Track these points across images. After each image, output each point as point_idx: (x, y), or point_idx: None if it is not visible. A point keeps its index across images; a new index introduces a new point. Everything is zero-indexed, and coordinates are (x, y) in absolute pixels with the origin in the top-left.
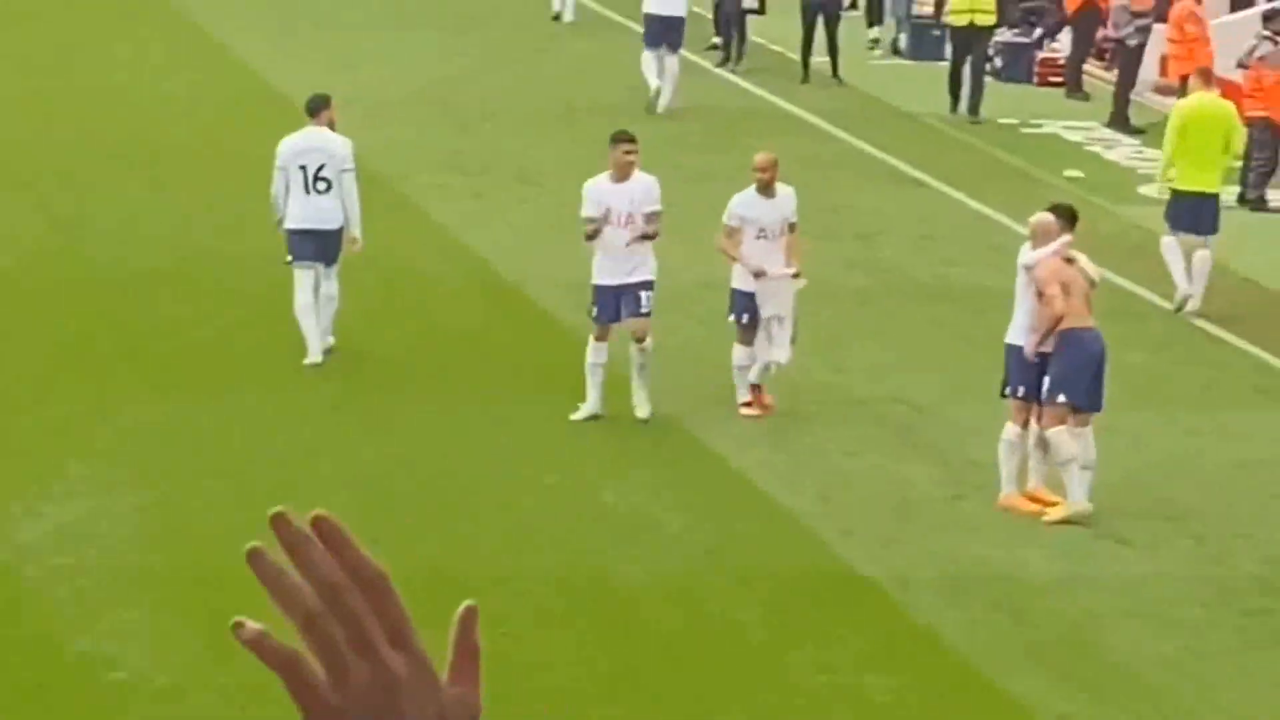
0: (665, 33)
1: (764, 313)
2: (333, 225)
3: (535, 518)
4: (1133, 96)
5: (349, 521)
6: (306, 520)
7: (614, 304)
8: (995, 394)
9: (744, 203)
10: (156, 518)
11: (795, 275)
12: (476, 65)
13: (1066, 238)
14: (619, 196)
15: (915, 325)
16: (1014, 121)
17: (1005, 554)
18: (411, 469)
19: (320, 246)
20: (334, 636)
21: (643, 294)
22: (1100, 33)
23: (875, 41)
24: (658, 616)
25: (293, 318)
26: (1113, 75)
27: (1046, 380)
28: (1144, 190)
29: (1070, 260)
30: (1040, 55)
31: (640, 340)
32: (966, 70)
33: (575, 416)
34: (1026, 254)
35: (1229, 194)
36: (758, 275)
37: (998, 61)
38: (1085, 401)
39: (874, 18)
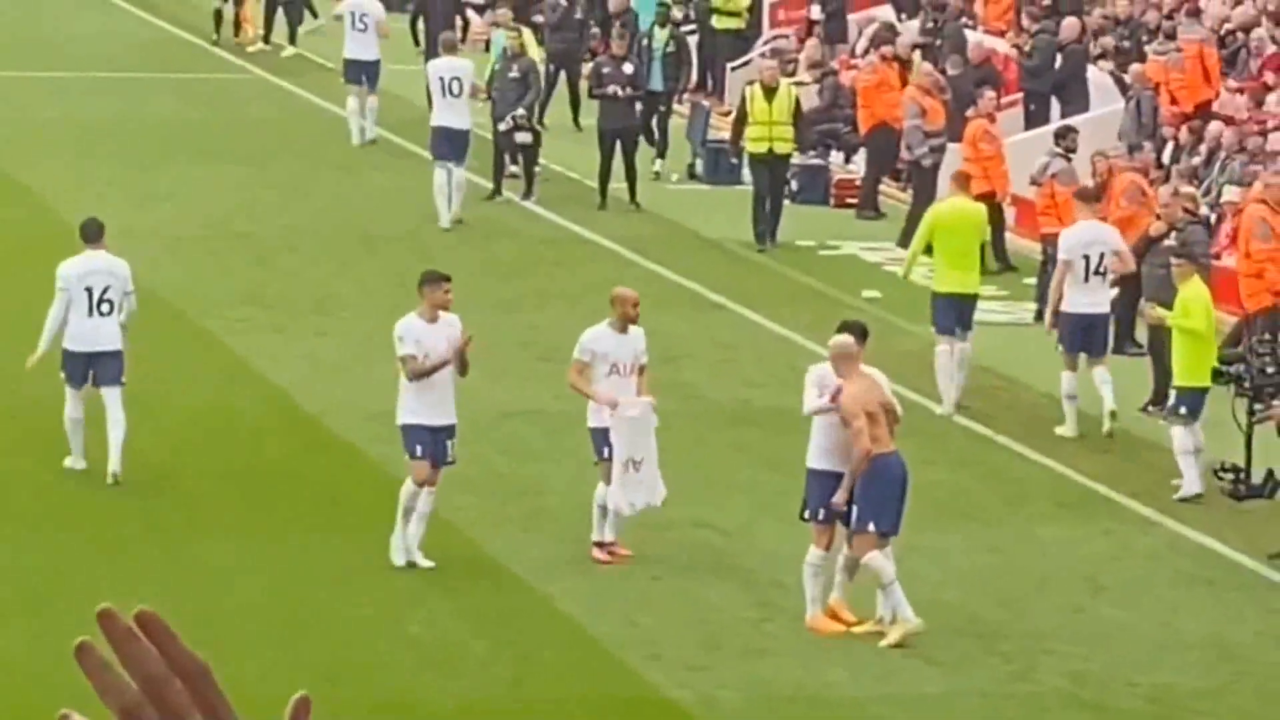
0: (451, 145)
1: (621, 455)
2: (113, 347)
3: (344, 648)
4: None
5: None
6: (131, 616)
7: (434, 444)
8: (798, 516)
9: (596, 338)
10: None
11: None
12: (277, 198)
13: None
14: (435, 336)
15: (718, 449)
16: (812, 244)
17: (813, 675)
18: (219, 603)
19: (99, 369)
20: None
21: (449, 443)
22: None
23: (657, 174)
24: None
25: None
26: (909, 195)
27: (855, 509)
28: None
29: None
30: (837, 177)
31: (433, 485)
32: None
33: (396, 561)
34: (821, 374)
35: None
36: (612, 407)
37: (794, 184)
38: (894, 527)
39: (660, 149)
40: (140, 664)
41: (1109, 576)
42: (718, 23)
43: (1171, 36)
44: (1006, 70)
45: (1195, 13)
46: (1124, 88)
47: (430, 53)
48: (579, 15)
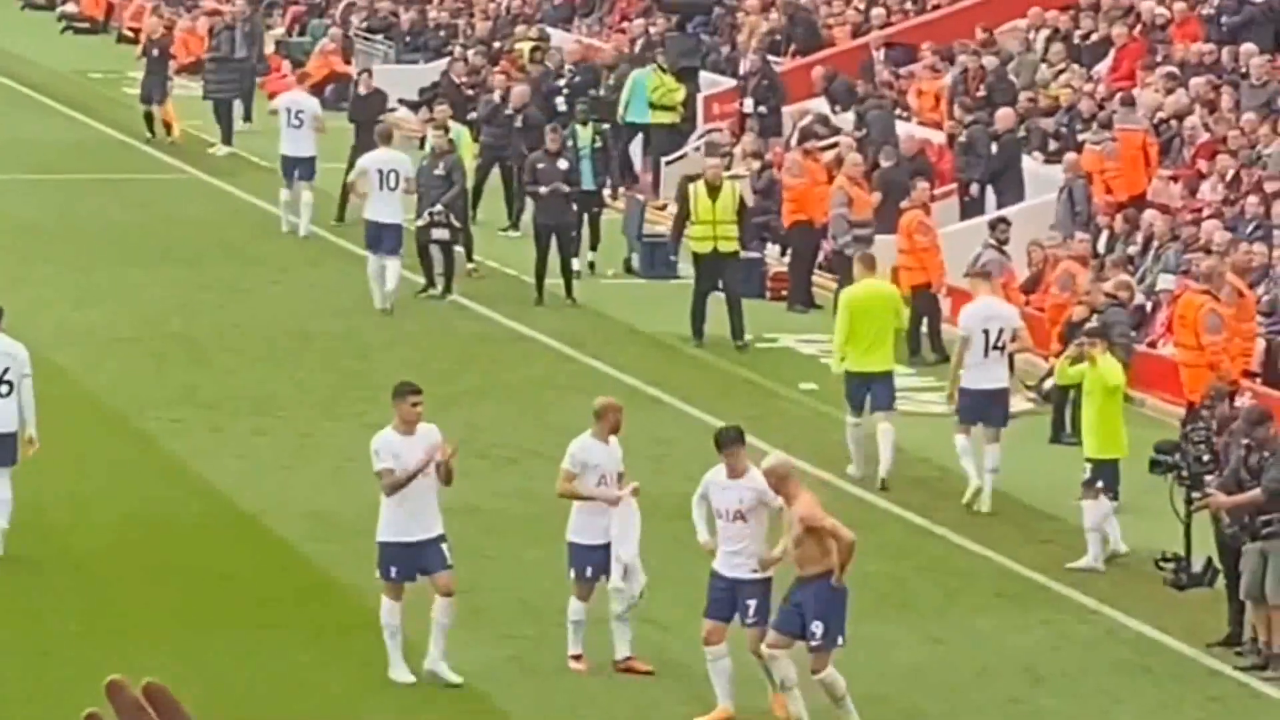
0: (384, 238)
1: (625, 554)
2: (8, 429)
3: None
4: None
5: None
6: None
7: (414, 561)
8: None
9: (584, 448)
10: None
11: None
12: (213, 297)
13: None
14: (413, 449)
15: (657, 543)
16: (748, 337)
17: None
18: None
19: None
20: None
21: (442, 547)
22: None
23: (591, 265)
24: None
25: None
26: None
27: (822, 625)
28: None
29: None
30: (773, 270)
31: (448, 593)
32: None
33: (396, 677)
34: (767, 494)
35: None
36: (614, 503)
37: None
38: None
39: (592, 241)
40: None
41: (1048, 666)
42: (652, 118)
43: (1107, 126)
44: (940, 161)
45: (1130, 101)
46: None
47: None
48: (508, 111)
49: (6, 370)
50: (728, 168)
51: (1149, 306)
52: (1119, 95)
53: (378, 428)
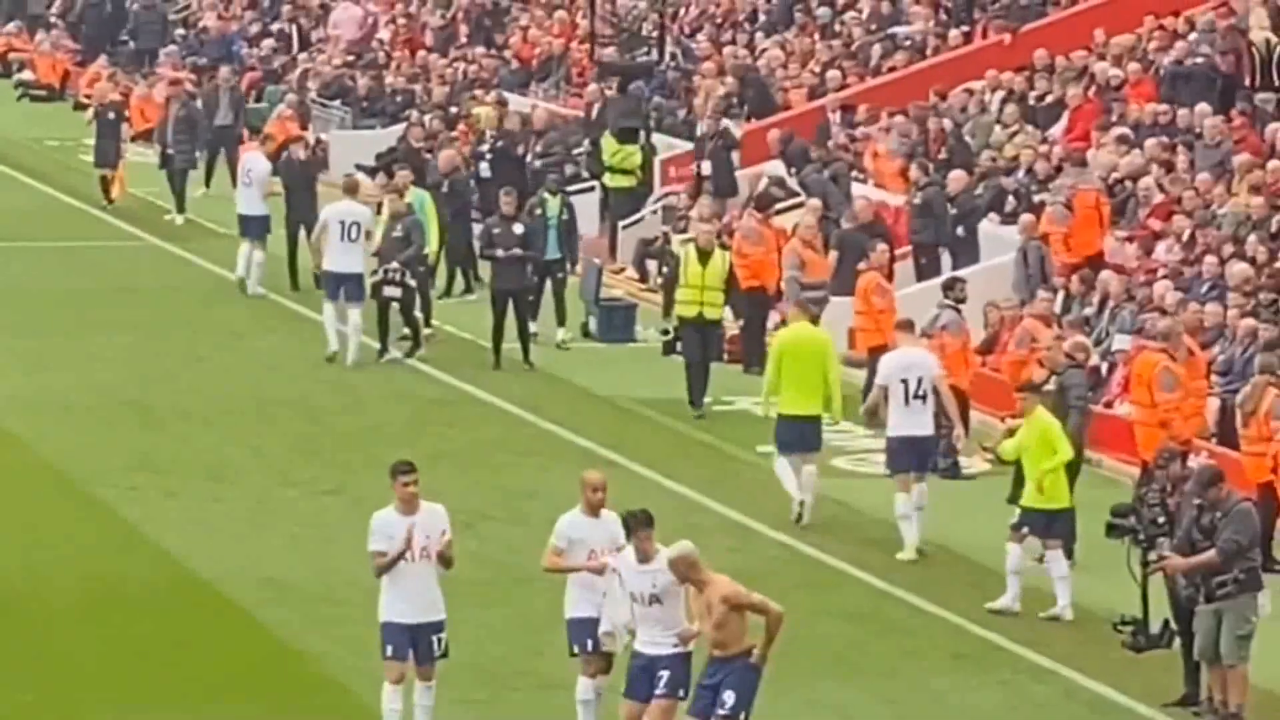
0: (343, 287)
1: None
2: None
3: None
4: None
5: None
6: None
7: (409, 644)
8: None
9: (573, 524)
10: None
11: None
12: (168, 364)
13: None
14: (411, 529)
15: None
16: (706, 400)
17: None
18: None
19: None
20: None
21: (435, 638)
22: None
23: (561, 344)
24: None
25: None
26: None
27: (734, 696)
28: (835, 463)
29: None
30: (729, 333)
31: (427, 680)
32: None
33: None
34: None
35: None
36: (600, 572)
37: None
38: None
39: (561, 318)
40: None
41: None
42: (610, 180)
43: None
44: (896, 223)
45: (1082, 161)
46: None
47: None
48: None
49: None
50: (683, 230)
51: (1104, 368)
52: (1073, 155)
53: (333, 494)
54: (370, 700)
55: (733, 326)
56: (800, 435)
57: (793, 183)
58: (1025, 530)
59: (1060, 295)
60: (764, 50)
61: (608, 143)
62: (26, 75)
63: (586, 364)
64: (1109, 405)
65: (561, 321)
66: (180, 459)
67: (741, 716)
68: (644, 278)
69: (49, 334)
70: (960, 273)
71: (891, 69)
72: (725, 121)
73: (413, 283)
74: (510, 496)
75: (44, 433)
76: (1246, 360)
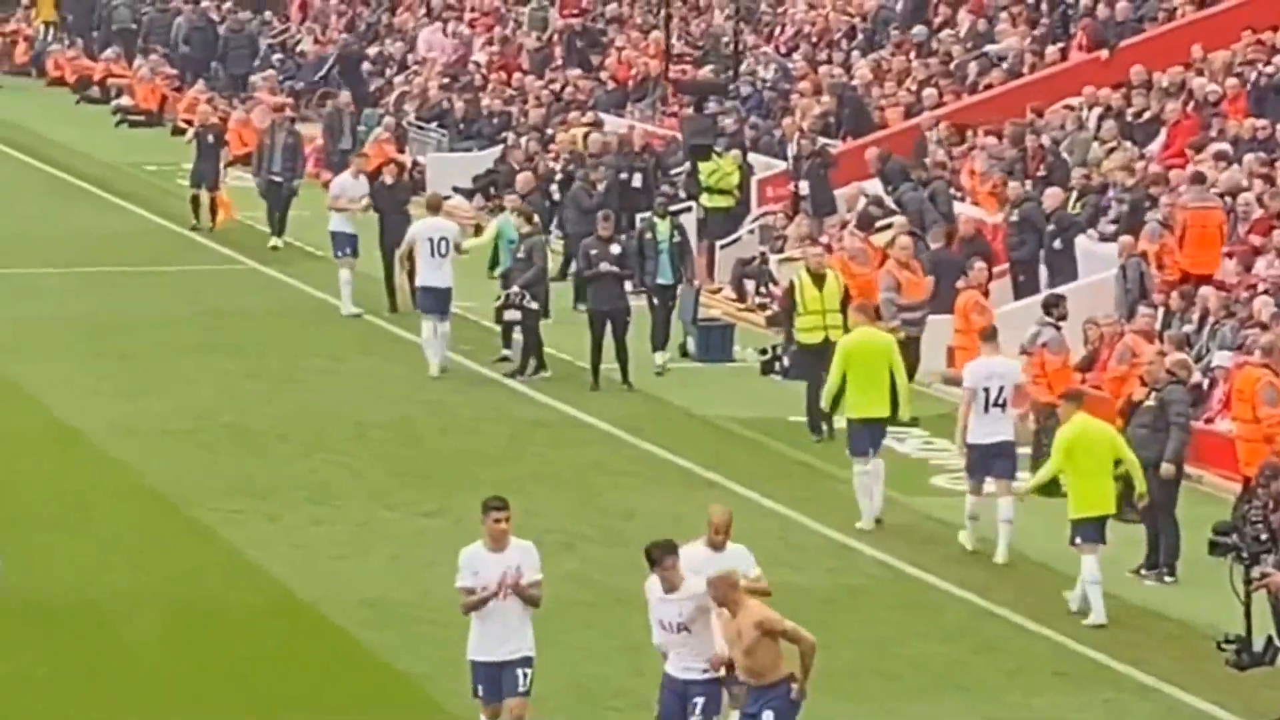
0: (436, 302)
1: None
2: None
3: None
4: (921, 388)
5: None
6: None
7: (497, 681)
8: None
9: (691, 558)
10: None
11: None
12: (266, 388)
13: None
14: (496, 566)
15: None
16: (803, 419)
17: None
18: None
19: None
20: None
21: (520, 672)
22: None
23: (662, 367)
24: None
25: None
26: None
27: (772, 715)
28: (935, 481)
29: None
30: None
31: (518, 716)
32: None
33: None
34: (705, 600)
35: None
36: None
37: (785, 360)
38: None
39: (658, 343)
40: None
41: None
42: (707, 201)
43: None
44: (994, 241)
45: (1200, 179)
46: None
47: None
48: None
49: None
50: (780, 250)
51: (1205, 384)
52: (1191, 172)
53: (433, 516)
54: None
55: None
56: (872, 437)
57: (890, 201)
58: (1079, 541)
59: (1160, 312)
60: (859, 69)
61: (704, 163)
62: (125, 101)
63: (685, 384)
64: (1210, 421)
65: (662, 345)
66: (280, 482)
67: None
68: (742, 297)
69: (149, 359)
70: (1059, 289)
71: (988, 86)
72: (821, 140)
73: (534, 306)
74: (609, 517)
75: (145, 457)
76: None
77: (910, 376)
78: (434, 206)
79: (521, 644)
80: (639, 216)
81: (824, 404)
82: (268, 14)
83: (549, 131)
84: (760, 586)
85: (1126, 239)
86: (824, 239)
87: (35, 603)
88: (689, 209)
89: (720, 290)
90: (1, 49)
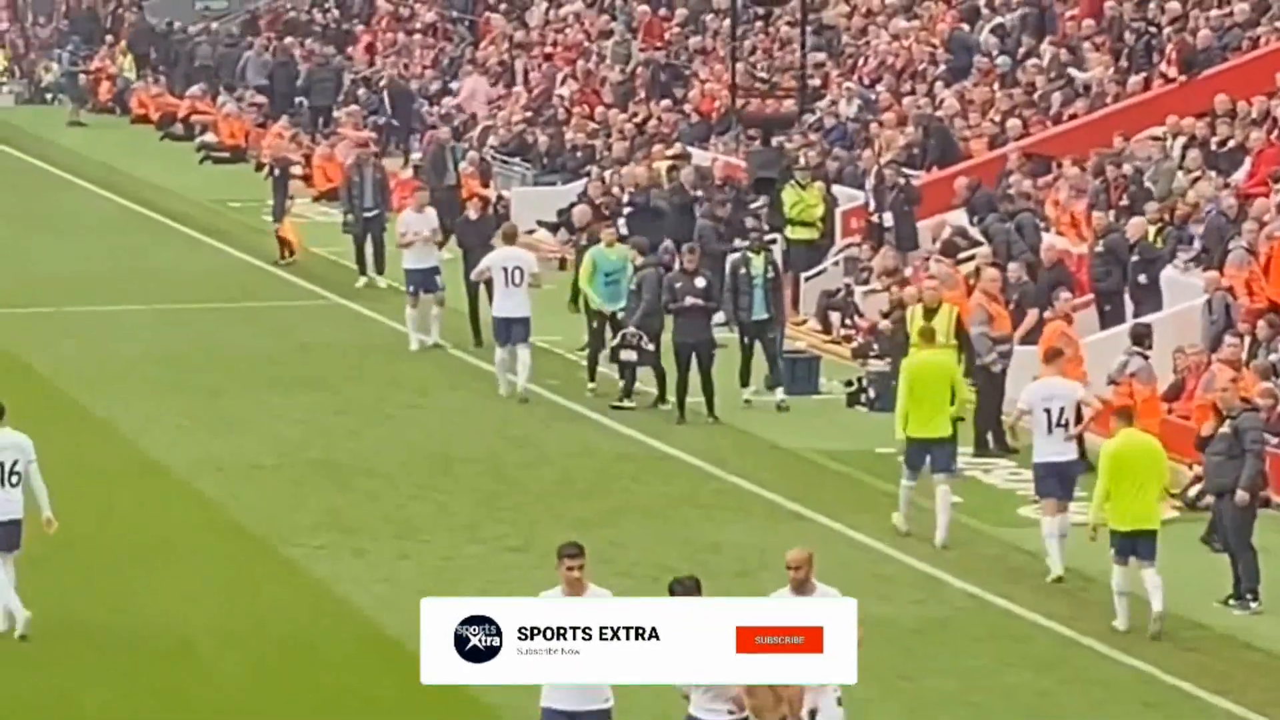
0: (511, 332)
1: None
2: (16, 515)
3: None
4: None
5: None
6: None
7: None
8: None
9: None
10: None
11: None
12: (351, 423)
13: None
14: None
15: None
16: (890, 450)
17: None
18: None
19: (6, 536)
20: None
21: None
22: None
23: (748, 402)
24: None
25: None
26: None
27: None
28: (1023, 511)
29: None
30: None
31: None
32: None
33: None
34: None
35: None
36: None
37: (871, 392)
38: None
39: (744, 379)
40: None
41: None
42: (791, 233)
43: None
44: (1079, 271)
45: None
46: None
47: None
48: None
49: (15, 463)
50: (864, 283)
51: None
52: (1277, 201)
53: (520, 550)
54: None
55: None
56: (929, 455)
57: (974, 232)
58: (1113, 553)
59: (1246, 341)
60: (946, 99)
61: (788, 193)
62: (209, 138)
63: (770, 417)
64: None
65: (744, 383)
66: (367, 517)
67: None
68: (827, 329)
69: (235, 394)
70: (1145, 319)
71: (1072, 116)
72: (906, 172)
73: (650, 346)
74: (696, 550)
75: (233, 493)
76: None
77: (997, 407)
78: (510, 236)
79: (599, 693)
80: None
81: (898, 426)
82: (351, 49)
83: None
84: None
85: (1212, 274)
86: (908, 271)
87: (125, 638)
88: (773, 241)
89: (805, 322)
90: (86, 87)
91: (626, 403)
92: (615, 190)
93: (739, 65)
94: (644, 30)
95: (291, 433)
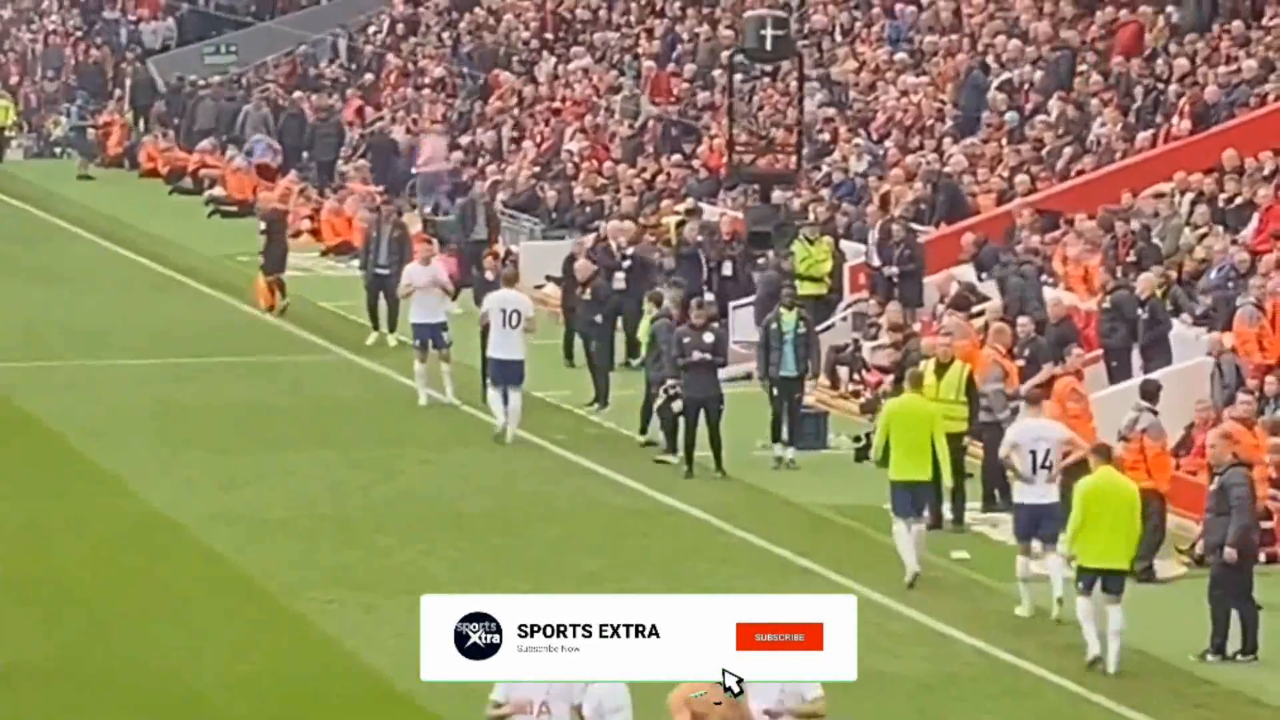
0: (504, 374)
1: None
2: None
3: None
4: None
5: None
6: None
7: None
8: None
9: None
10: None
11: None
12: (363, 478)
13: None
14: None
15: None
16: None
17: None
18: None
19: None
20: None
21: None
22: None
23: (780, 461)
24: None
25: None
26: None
27: None
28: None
29: None
30: None
31: None
32: None
33: None
34: None
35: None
36: None
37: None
38: None
39: (775, 435)
40: None
41: None
42: (800, 288)
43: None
44: (1086, 327)
45: None
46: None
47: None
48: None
49: None
50: (873, 338)
51: None
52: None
53: None
54: None
55: None
56: (913, 498)
57: (983, 288)
58: (1080, 586)
59: (1255, 397)
60: (954, 155)
61: (798, 248)
62: (217, 191)
63: (779, 471)
64: None
65: (791, 440)
66: (379, 573)
67: None
68: (835, 384)
69: (245, 449)
70: (1154, 375)
71: (1080, 172)
72: (914, 227)
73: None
74: None
75: (243, 548)
76: None
77: (1003, 465)
78: (509, 280)
79: None
80: (731, 305)
81: (874, 458)
82: (359, 103)
83: (640, 220)
84: (813, 709)
85: (1216, 336)
86: (916, 326)
87: (135, 690)
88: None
89: (815, 378)
90: (95, 141)
91: (670, 457)
92: (612, 244)
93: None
94: (652, 85)
95: (302, 487)
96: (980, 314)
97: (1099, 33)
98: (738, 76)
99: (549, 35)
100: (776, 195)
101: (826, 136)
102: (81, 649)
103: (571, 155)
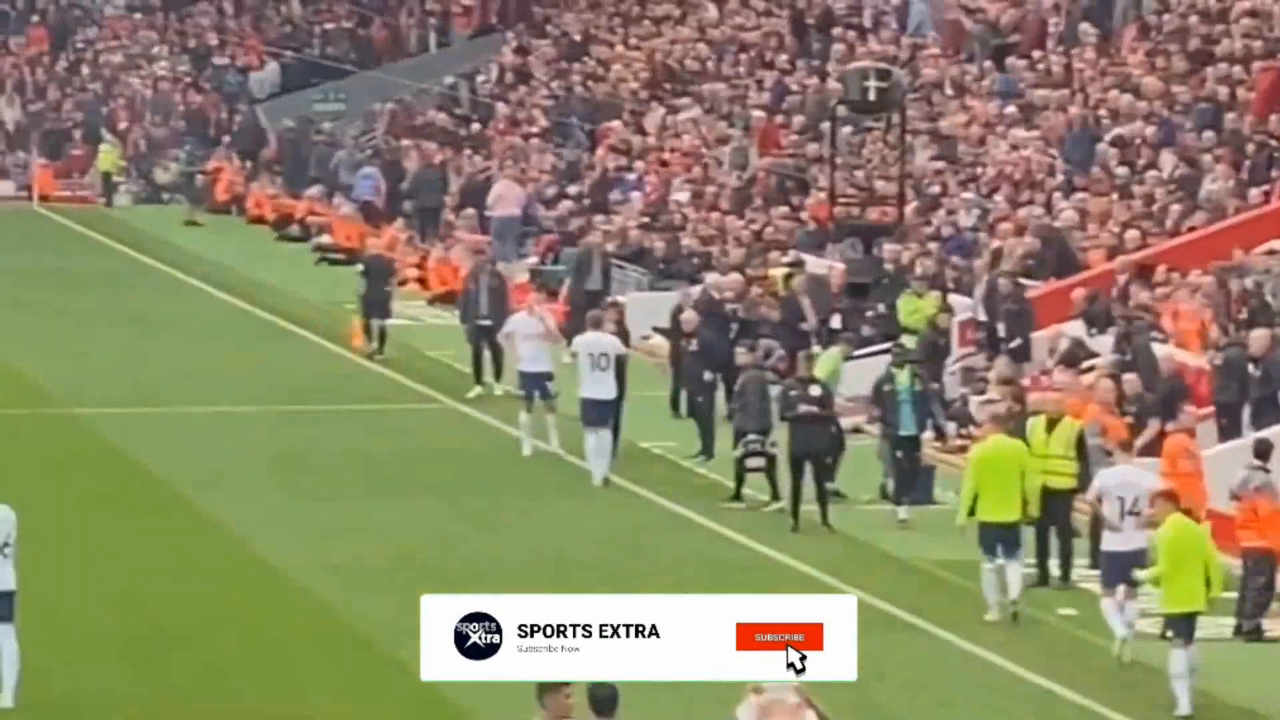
0: (599, 414)
1: None
2: (9, 587)
3: None
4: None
5: None
6: None
7: None
8: None
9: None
10: None
11: None
12: (466, 528)
13: None
14: None
15: None
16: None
17: None
18: None
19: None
20: None
21: None
22: None
23: (903, 521)
24: None
25: None
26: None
27: None
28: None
29: None
30: None
31: None
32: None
33: None
34: None
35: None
36: None
37: None
38: None
39: (898, 497)
40: None
41: None
42: (907, 341)
43: None
44: (1197, 384)
45: None
46: None
47: None
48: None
49: (9, 536)
50: (981, 393)
51: None
52: None
53: None
54: None
55: None
56: (1000, 539)
57: (1091, 344)
58: (1170, 634)
59: None
60: (1064, 210)
61: (905, 302)
62: (324, 239)
63: (885, 526)
64: None
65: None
66: None
67: None
68: (942, 439)
69: (349, 498)
70: (1265, 433)
71: (1191, 229)
72: (1024, 282)
73: (775, 451)
74: None
75: (346, 597)
76: None
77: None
78: (594, 323)
79: None
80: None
81: (961, 513)
82: (467, 151)
83: (748, 271)
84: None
85: None
86: (1025, 381)
87: None
88: (886, 349)
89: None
90: (203, 187)
91: (734, 504)
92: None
93: (842, 174)
94: (761, 136)
95: (404, 537)
96: (1091, 369)
97: (1217, 88)
98: (847, 129)
99: (658, 87)
100: (885, 250)
101: (936, 190)
102: (182, 693)
103: (679, 206)
